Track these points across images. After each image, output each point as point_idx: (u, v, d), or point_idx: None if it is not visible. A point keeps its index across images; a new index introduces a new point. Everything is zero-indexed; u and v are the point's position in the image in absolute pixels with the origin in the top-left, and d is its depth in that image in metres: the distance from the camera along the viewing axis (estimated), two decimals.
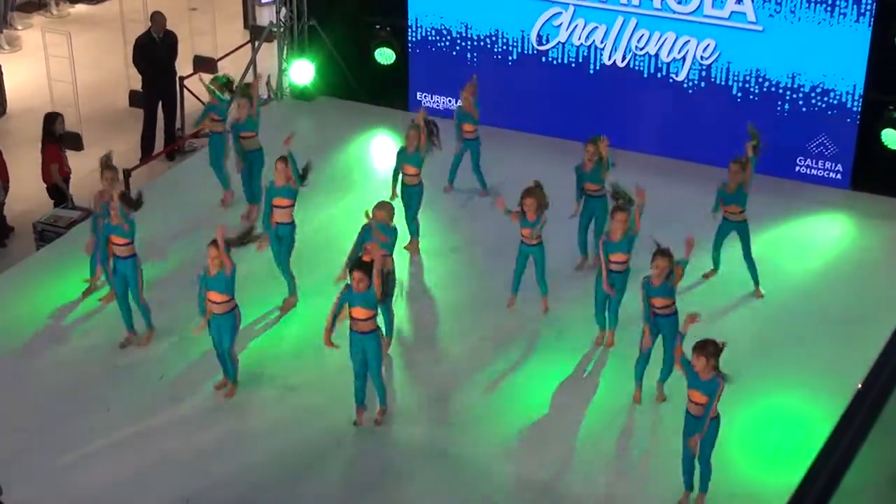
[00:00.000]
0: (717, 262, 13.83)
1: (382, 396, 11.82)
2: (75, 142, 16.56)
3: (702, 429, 10.27)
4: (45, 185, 15.95)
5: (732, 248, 13.58)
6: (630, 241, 12.24)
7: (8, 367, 12.65)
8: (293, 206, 13.21)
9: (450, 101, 17.72)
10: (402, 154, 14.33)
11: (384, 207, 12.60)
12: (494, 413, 12.04)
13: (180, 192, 15.94)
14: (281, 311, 13.37)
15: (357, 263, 11.44)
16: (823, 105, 15.80)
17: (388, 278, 11.89)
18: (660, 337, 11.68)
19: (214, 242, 11.64)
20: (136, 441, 11.63)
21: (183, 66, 18.58)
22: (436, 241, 14.78)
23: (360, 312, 11.34)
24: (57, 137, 15.85)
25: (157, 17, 17.69)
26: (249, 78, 17.20)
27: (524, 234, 12.89)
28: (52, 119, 15.93)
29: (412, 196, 14.34)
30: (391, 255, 12.53)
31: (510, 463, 11.38)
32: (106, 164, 12.82)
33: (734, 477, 10.99)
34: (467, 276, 14.22)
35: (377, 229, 12.39)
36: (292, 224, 13.26)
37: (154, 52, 17.60)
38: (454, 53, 17.52)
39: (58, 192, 15.78)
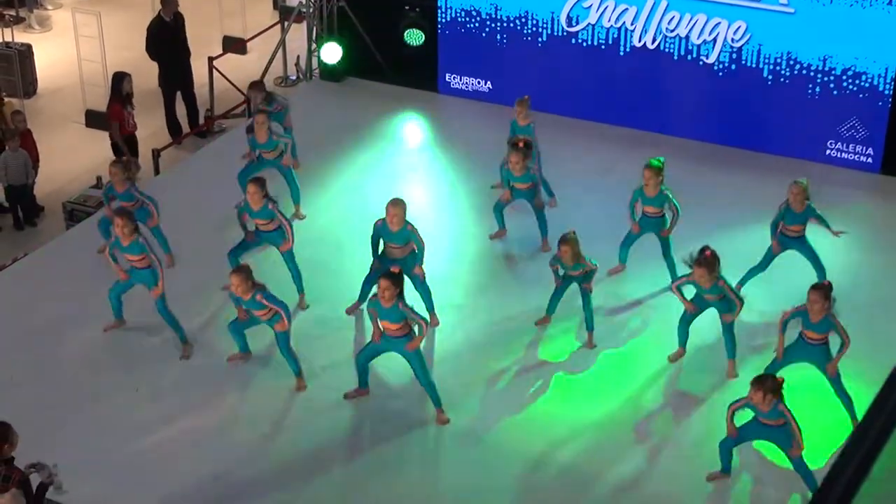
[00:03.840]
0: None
1: (435, 398, 11.59)
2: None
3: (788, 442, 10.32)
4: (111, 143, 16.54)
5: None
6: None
7: (37, 347, 12.72)
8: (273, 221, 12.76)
9: (479, 82, 17.69)
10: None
11: (397, 205, 12.24)
12: (523, 396, 12.04)
13: (209, 173, 15.97)
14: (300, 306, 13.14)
15: (385, 273, 11.13)
16: (855, 88, 15.70)
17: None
18: None
19: (238, 269, 11.47)
20: (163, 420, 11.68)
21: (212, 46, 18.61)
22: (472, 232, 14.76)
23: (387, 325, 11.22)
24: (123, 96, 16.05)
25: (169, 0, 17.73)
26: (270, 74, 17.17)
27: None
28: (119, 78, 16.16)
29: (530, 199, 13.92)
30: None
31: (538, 445, 11.37)
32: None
33: (767, 460, 10.99)
34: (500, 265, 14.20)
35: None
36: (279, 229, 12.72)
37: (167, 35, 17.64)
38: (484, 35, 17.48)
39: (117, 149, 16.24)
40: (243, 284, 11.33)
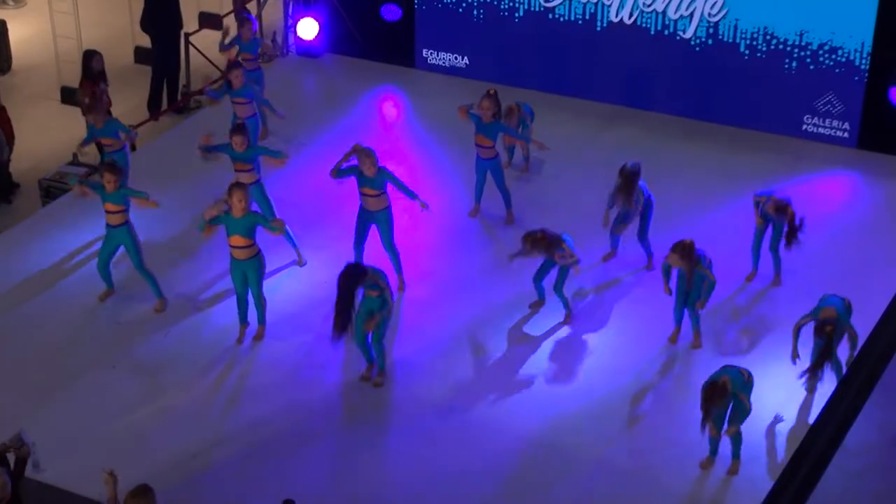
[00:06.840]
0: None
1: (383, 361, 11.83)
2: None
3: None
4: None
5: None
6: None
7: (13, 324, 12.69)
8: (252, 169, 13.27)
9: (455, 58, 17.65)
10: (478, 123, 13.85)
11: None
12: (503, 371, 12.08)
13: (186, 148, 15.90)
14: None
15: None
16: (831, 63, 15.71)
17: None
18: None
19: (239, 184, 11.92)
20: (141, 398, 11.69)
21: (188, 22, 18.50)
22: (449, 207, 14.76)
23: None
24: (94, 74, 15.93)
25: None
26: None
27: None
28: (89, 56, 16.01)
29: (493, 168, 14.03)
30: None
31: (516, 421, 11.41)
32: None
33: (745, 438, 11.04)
34: (481, 241, 14.18)
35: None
36: (256, 182, 13.29)
37: (164, 7, 17.53)
38: (460, 10, 17.42)
39: None
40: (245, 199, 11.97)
